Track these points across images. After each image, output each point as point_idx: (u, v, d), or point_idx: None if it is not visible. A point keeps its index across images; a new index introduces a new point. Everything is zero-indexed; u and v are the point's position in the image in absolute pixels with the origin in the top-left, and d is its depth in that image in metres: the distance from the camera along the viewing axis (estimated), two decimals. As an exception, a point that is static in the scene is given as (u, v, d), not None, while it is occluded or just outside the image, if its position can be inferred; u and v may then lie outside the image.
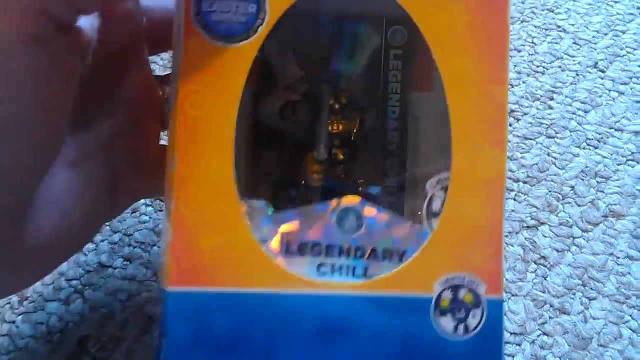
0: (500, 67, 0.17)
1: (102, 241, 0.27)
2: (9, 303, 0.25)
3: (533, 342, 0.24)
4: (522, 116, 0.33)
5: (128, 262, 0.26)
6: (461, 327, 0.16)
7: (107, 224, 0.27)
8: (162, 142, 0.22)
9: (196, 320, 0.16)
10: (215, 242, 0.16)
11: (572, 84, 0.34)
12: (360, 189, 0.20)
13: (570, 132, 0.32)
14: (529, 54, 0.36)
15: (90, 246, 0.27)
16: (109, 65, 0.19)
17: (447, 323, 0.16)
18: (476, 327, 0.16)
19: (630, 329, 0.25)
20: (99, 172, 0.19)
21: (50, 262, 0.19)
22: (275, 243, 0.17)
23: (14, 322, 0.24)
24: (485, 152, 0.17)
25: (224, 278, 0.16)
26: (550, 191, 0.29)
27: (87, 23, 0.18)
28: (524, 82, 0.34)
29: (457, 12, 0.17)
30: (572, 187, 0.30)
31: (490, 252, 0.17)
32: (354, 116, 0.20)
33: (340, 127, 0.20)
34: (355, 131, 0.20)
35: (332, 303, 0.16)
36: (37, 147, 0.16)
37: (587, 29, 0.37)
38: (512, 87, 0.34)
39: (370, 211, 0.18)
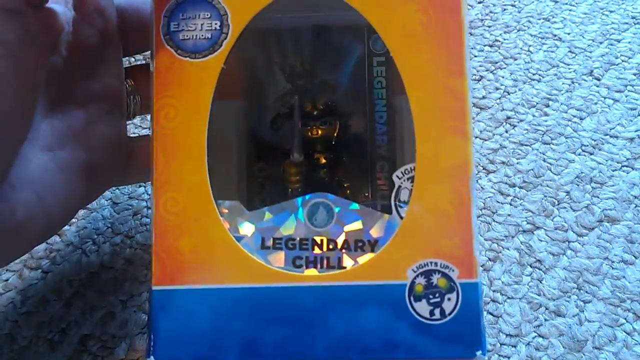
0: (457, 62, 0.18)
1: (104, 242, 0.27)
2: (11, 302, 0.25)
3: (528, 343, 0.25)
4: (518, 122, 0.33)
5: (129, 263, 0.27)
6: (437, 311, 0.17)
7: (109, 225, 0.28)
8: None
9: (180, 316, 0.17)
10: (194, 242, 0.17)
11: (567, 91, 0.35)
12: (348, 192, 0.21)
13: (566, 138, 0.32)
14: (525, 62, 0.36)
15: (92, 247, 0.27)
16: (82, 59, 0.20)
17: (422, 308, 0.17)
18: (452, 311, 0.17)
19: (625, 332, 0.25)
20: (73, 158, 0.20)
21: (25, 242, 0.20)
22: (251, 240, 0.18)
23: (16, 321, 0.25)
24: (448, 142, 0.17)
25: (205, 275, 0.17)
26: (545, 196, 0.30)
27: (61, 11, 0.19)
28: (519, 89, 0.35)
29: (410, 11, 0.18)
30: (568, 192, 0.30)
31: (459, 237, 0.17)
32: (333, 121, 0.21)
33: (319, 132, 0.21)
34: (334, 135, 0.21)
35: (308, 294, 0.17)
36: (8, 116, 0.17)
37: (583, 37, 0.38)
38: (508, 94, 0.35)
39: (339, 204, 0.19)
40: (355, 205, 0.19)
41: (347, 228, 0.18)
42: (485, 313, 0.25)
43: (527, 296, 0.26)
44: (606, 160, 0.31)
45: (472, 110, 0.34)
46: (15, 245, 0.19)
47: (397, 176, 0.18)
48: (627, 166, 0.31)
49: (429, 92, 0.18)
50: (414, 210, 0.17)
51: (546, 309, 0.26)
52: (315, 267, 0.18)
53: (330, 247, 0.18)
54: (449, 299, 0.17)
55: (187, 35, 0.18)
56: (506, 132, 0.33)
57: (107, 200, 0.29)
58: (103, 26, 0.20)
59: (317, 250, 0.18)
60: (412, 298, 0.17)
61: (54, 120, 0.20)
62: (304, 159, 0.20)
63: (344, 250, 0.18)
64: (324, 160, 0.21)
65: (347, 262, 0.18)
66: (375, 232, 0.18)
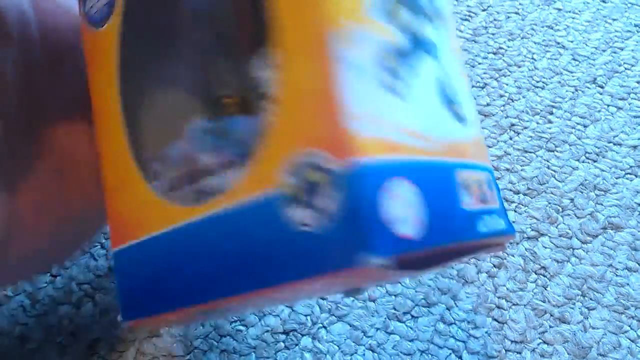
0: None
1: (112, 246, 0.27)
2: (21, 306, 0.25)
3: (533, 350, 0.25)
4: (522, 130, 0.33)
5: (137, 268, 0.27)
6: (315, 214, 0.13)
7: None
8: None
9: (132, 272, 0.18)
10: (124, 202, 0.18)
11: (571, 98, 0.35)
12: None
13: (570, 145, 0.33)
14: (529, 69, 0.37)
15: (100, 251, 0.27)
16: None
17: (298, 214, 0.13)
18: (331, 208, 0.13)
19: (629, 339, 0.25)
20: None
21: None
22: (162, 190, 0.17)
23: (26, 324, 0.25)
24: (301, 6, 0.14)
25: (136, 230, 0.18)
26: (549, 203, 0.30)
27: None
28: (523, 97, 0.35)
29: None
30: (572, 200, 0.30)
31: (325, 110, 0.13)
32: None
33: None
34: None
35: (209, 228, 0.16)
36: None
37: (586, 45, 0.38)
38: (512, 101, 0.35)
39: (208, 123, 0.17)
40: (223, 118, 0.16)
41: (219, 147, 0.16)
42: (490, 319, 0.26)
43: (532, 303, 0.26)
44: (610, 168, 0.32)
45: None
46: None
47: (257, 67, 0.15)
48: (630, 174, 0.31)
49: None
50: (282, 102, 0.14)
51: (551, 315, 0.26)
52: (212, 195, 0.16)
53: (219, 169, 0.16)
54: (325, 195, 0.13)
55: (92, 7, 0.19)
56: (510, 139, 0.33)
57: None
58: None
59: (209, 178, 0.16)
60: (285, 204, 0.14)
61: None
62: None
63: (228, 169, 0.15)
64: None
65: (233, 181, 0.15)
66: (242, 143, 0.15)
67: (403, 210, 0.13)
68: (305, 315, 0.25)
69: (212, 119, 0.16)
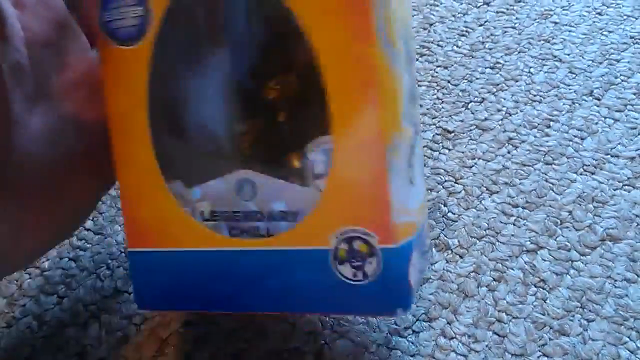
0: (365, 29, 0.17)
1: (118, 267, 0.28)
2: (29, 327, 0.26)
3: (534, 363, 0.25)
4: (520, 143, 0.34)
5: (142, 287, 0.27)
6: (359, 273, 0.18)
7: (122, 250, 0.29)
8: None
9: (150, 272, 0.21)
10: (148, 214, 0.21)
11: (568, 111, 0.36)
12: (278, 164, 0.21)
13: (567, 158, 0.33)
14: (526, 83, 0.37)
15: (105, 272, 0.28)
16: (44, 52, 0.20)
17: (346, 270, 0.19)
18: (374, 273, 0.18)
19: (629, 350, 0.26)
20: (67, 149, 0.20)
21: None
22: (194, 213, 0.20)
23: (34, 345, 0.25)
24: (362, 113, 0.18)
25: (165, 240, 0.21)
26: (548, 216, 0.30)
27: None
28: (521, 111, 0.36)
29: None
30: (570, 212, 0.31)
31: (376, 205, 0.18)
32: (289, 80, 0.20)
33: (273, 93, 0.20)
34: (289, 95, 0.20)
35: (248, 256, 0.20)
36: None
37: (582, 58, 0.39)
38: (510, 115, 0.35)
39: (261, 179, 0.20)
40: (275, 178, 0.20)
41: (270, 201, 0.20)
42: (490, 333, 0.26)
43: (531, 316, 0.27)
44: (607, 180, 0.32)
45: (475, 131, 0.34)
46: None
47: (310, 149, 0.19)
48: (628, 185, 0.32)
49: (341, 63, 0.18)
50: (333, 182, 0.18)
51: (550, 328, 0.26)
52: (248, 235, 0.20)
53: (258, 217, 0.20)
54: (370, 263, 0.18)
55: (118, 24, 0.20)
56: (508, 153, 0.33)
57: (120, 226, 0.30)
58: (50, 16, 0.20)
59: (248, 221, 0.20)
60: (336, 261, 0.19)
61: (38, 117, 0.20)
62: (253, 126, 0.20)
63: (270, 221, 0.20)
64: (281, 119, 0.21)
65: (274, 230, 0.20)
66: (295, 204, 0.19)
67: (414, 273, 0.19)
68: (308, 333, 0.26)
69: (266, 176, 0.20)
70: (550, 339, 0.26)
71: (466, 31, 0.41)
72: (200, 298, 0.21)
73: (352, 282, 0.19)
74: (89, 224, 0.30)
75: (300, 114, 0.19)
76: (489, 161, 0.33)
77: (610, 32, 0.41)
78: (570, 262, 0.29)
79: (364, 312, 0.19)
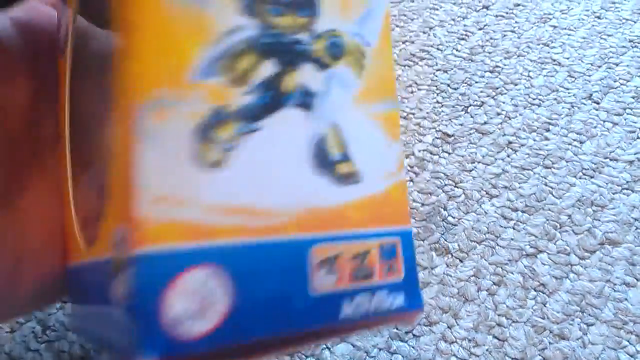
0: None
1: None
2: (32, 332, 0.26)
3: (534, 366, 0.25)
4: (520, 147, 0.34)
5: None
6: (119, 293, 0.13)
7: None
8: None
9: (71, 289, 0.18)
10: (66, 223, 0.18)
11: (567, 115, 0.36)
12: None
13: (566, 162, 0.33)
14: (525, 87, 0.37)
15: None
16: None
17: (116, 288, 0.13)
18: (126, 291, 0.12)
19: (628, 354, 0.26)
20: None
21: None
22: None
23: (37, 350, 0.26)
24: (122, 67, 0.14)
25: (68, 256, 0.18)
26: (547, 220, 0.31)
27: None
28: (520, 114, 0.36)
29: None
30: (569, 216, 0.31)
31: (122, 190, 0.13)
32: None
33: None
34: None
35: (89, 271, 0.16)
36: None
37: (581, 61, 0.39)
38: (509, 119, 0.36)
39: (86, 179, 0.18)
40: None
41: (95, 203, 0.17)
42: (491, 337, 0.26)
43: (531, 320, 0.27)
44: (606, 184, 0.32)
45: (474, 135, 0.35)
46: None
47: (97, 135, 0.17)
48: (627, 189, 0.32)
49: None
50: (111, 164, 0.14)
51: (550, 332, 0.26)
52: (91, 244, 0.17)
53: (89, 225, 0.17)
54: (126, 277, 0.12)
55: (61, 35, 0.19)
56: (508, 156, 0.34)
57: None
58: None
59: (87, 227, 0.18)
60: (112, 274, 0.13)
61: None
62: None
63: (94, 223, 0.17)
64: None
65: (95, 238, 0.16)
66: (100, 199, 0.16)
67: (190, 304, 0.12)
68: (309, 337, 0.26)
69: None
70: (550, 343, 0.26)
71: (466, 35, 0.41)
72: (84, 325, 0.17)
73: (118, 306, 0.12)
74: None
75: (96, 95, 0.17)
76: (488, 165, 0.33)
77: (609, 35, 0.41)
78: (569, 266, 0.29)
79: (118, 353, 0.13)
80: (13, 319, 0.19)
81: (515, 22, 0.42)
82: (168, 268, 0.12)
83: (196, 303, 0.12)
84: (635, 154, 0.34)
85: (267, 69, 0.14)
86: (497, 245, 0.30)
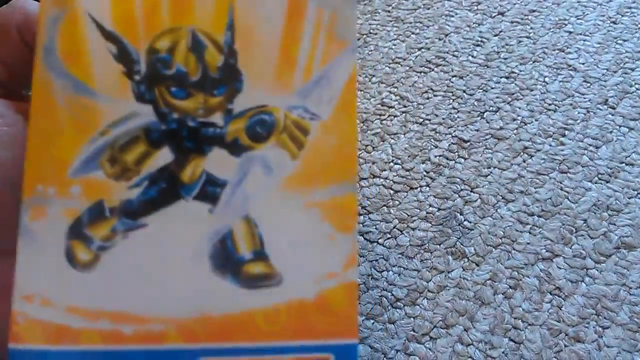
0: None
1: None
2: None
3: (549, 369, 0.26)
4: (535, 152, 0.34)
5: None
6: None
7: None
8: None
9: None
10: None
11: (583, 120, 0.36)
12: None
13: (582, 167, 0.34)
14: (541, 92, 0.38)
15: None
16: None
17: None
18: None
19: (644, 357, 0.26)
20: None
21: None
22: None
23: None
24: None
25: None
26: (563, 224, 0.31)
27: None
28: (536, 120, 0.36)
29: None
30: (585, 220, 0.31)
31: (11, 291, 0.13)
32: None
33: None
34: None
35: None
36: None
37: (597, 67, 0.39)
38: (525, 124, 0.36)
39: None
40: None
41: None
42: (507, 339, 0.27)
43: (547, 323, 0.27)
44: (622, 188, 0.32)
45: (490, 140, 0.35)
46: None
47: None
48: (643, 193, 0.32)
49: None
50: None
51: (566, 335, 0.27)
52: None
53: None
54: None
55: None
56: (524, 162, 0.34)
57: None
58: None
59: None
60: None
61: None
62: None
63: None
64: None
65: None
66: None
67: None
68: (328, 338, 0.27)
69: None
70: (565, 346, 0.26)
71: (481, 41, 0.42)
72: None
73: None
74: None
75: None
76: (504, 170, 0.34)
77: (625, 40, 0.41)
78: (585, 269, 0.29)
79: None
80: None
81: (531, 28, 0.42)
82: None
83: None
84: (651, 158, 0.34)
85: (161, 159, 0.13)
86: (513, 249, 0.30)
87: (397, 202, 0.32)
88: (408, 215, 0.32)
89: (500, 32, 0.42)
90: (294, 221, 0.13)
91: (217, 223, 0.13)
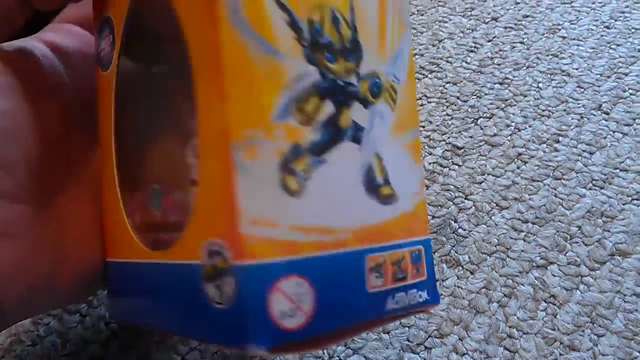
0: (210, 8, 0.16)
1: (138, 286, 0.29)
2: (53, 345, 0.27)
3: (545, 378, 0.26)
4: (529, 159, 0.34)
5: (161, 305, 0.28)
6: (218, 294, 0.16)
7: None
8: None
9: (115, 281, 0.21)
10: (111, 224, 0.21)
11: (576, 126, 0.36)
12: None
13: (576, 173, 0.34)
14: (535, 98, 0.38)
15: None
16: None
17: (210, 290, 0.16)
18: (229, 295, 0.15)
19: (639, 364, 0.26)
20: None
21: None
22: (131, 224, 0.20)
23: (58, 363, 0.26)
24: (212, 106, 0.16)
25: (116, 251, 0.21)
26: (558, 231, 0.31)
27: None
28: (530, 126, 0.36)
29: None
30: (579, 227, 0.31)
31: (224, 212, 0.15)
32: None
33: None
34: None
35: (150, 270, 0.19)
36: None
37: (591, 72, 0.39)
38: (519, 130, 0.36)
39: (164, 190, 0.20)
40: (175, 188, 0.20)
41: (169, 210, 0.19)
42: (501, 349, 0.26)
43: (542, 331, 0.27)
44: (616, 194, 0.32)
45: (484, 147, 0.35)
46: None
47: (189, 153, 0.18)
48: (637, 199, 0.32)
49: (200, 49, 0.16)
50: (199, 189, 0.16)
51: (561, 343, 0.27)
52: (160, 246, 0.18)
53: (161, 227, 0.19)
54: (226, 282, 0.15)
55: (103, 50, 0.21)
56: (518, 168, 0.34)
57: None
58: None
59: (156, 232, 0.20)
60: (203, 279, 0.16)
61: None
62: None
63: (166, 231, 0.19)
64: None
65: (171, 242, 0.18)
66: (176, 214, 0.19)
67: (286, 304, 0.15)
68: (322, 349, 0.26)
69: (163, 188, 0.20)
70: (560, 354, 0.26)
71: (475, 47, 0.42)
72: (137, 312, 0.19)
73: (212, 305, 0.16)
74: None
75: (183, 119, 0.19)
76: (498, 177, 0.34)
77: (618, 45, 0.41)
78: (579, 277, 0.29)
79: (218, 340, 0.16)
80: (53, 309, 0.21)
81: (524, 33, 0.42)
82: (266, 277, 0.15)
83: (290, 304, 0.15)
84: (645, 164, 0.34)
85: (327, 109, 0.17)
86: (508, 257, 0.30)
87: (391, 210, 0.32)
88: (402, 223, 0.32)
89: (494, 37, 0.42)
90: (397, 157, 0.19)
91: (363, 158, 0.18)
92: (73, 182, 0.21)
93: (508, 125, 0.36)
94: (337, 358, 0.26)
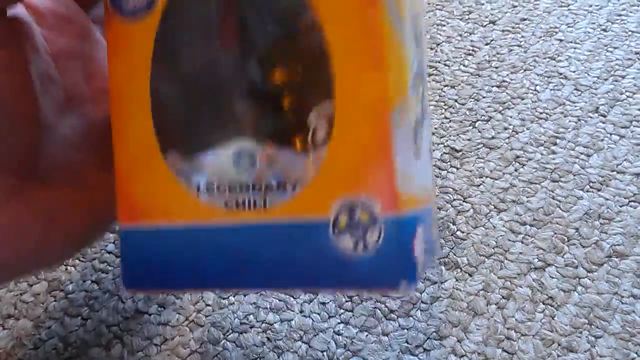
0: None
1: (138, 289, 0.29)
2: (54, 349, 0.27)
3: (543, 379, 0.26)
4: (527, 161, 0.34)
5: (162, 308, 0.29)
6: (360, 245, 0.17)
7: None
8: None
9: (141, 250, 0.20)
10: (141, 186, 0.20)
11: (574, 128, 0.36)
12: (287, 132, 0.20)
13: (574, 175, 0.34)
14: (532, 101, 0.38)
15: (127, 294, 0.29)
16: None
17: (346, 241, 0.17)
18: (375, 244, 0.17)
19: (636, 365, 0.26)
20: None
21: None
22: (189, 185, 0.19)
23: (60, 367, 0.27)
24: (366, 76, 0.17)
25: (155, 214, 0.19)
26: (555, 233, 0.31)
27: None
28: (527, 129, 0.36)
29: None
30: (577, 229, 0.31)
31: (380, 169, 0.17)
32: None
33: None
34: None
35: (243, 231, 0.18)
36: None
37: (588, 75, 0.40)
38: (517, 133, 0.36)
39: (260, 148, 0.19)
40: (277, 147, 0.19)
41: (269, 171, 0.19)
42: (500, 350, 0.27)
43: (540, 333, 0.27)
44: (614, 196, 0.33)
45: (482, 150, 0.35)
46: None
47: (313, 117, 0.18)
48: (634, 201, 0.32)
49: (346, 28, 0.17)
50: (335, 149, 0.17)
51: (559, 345, 0.27)
52: (245, 208, 0.18)
53: (256, 189, 0.19)
54: (371, 233, 0.17)
55: (127, 2, 0.19)
56: (515, 171, 0.34)
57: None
58: (73, 30, 0.22)
59: (244, 193, 0.19)
60: (336, 232, 0.17)
61: (68, 122, 0.21)
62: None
63: (268, 192, 0.18)
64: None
65: (271, 203, 0.18)
66: (294, 173, 0.18)
67: (420, 248, 0.18)
68: (322, 351, 0.27)
69: (259, 145, 0.19)
70: (558, 356, 0.26)
71: (473, 50, 0.42)
72: (191, 277, 0.19)
73: (352, 255, 0.17)
74: (110, 247, 0.32)
75: (305, 82, 0.18)
76: (496, 179, 0.34)
77: (615, 48, 0.41)
78: (577, 279, 0.29)
79: (365, 286, 0.17)
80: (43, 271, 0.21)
81: (522, 36, 0.43)
82: (412, 226, 0.18)
83: (420, 247, 0.18)
84: (642, 166, 0.34)
85: (421, 89, 0.20)
86: (506, 259, 0.30)
87: (390, 213, 0.32)
88: (401, 226, 0.32)
89: (492, 40, 0.42)
90: (428, 141, 0.22)
91: (427, 135, 0.21)
92: (56, 147, 0.21)
93: (506, 128, 0.36)
94: (337, 359, 0.26)
